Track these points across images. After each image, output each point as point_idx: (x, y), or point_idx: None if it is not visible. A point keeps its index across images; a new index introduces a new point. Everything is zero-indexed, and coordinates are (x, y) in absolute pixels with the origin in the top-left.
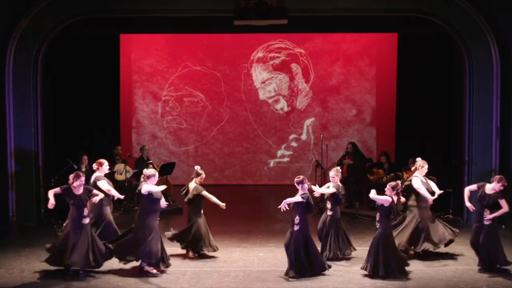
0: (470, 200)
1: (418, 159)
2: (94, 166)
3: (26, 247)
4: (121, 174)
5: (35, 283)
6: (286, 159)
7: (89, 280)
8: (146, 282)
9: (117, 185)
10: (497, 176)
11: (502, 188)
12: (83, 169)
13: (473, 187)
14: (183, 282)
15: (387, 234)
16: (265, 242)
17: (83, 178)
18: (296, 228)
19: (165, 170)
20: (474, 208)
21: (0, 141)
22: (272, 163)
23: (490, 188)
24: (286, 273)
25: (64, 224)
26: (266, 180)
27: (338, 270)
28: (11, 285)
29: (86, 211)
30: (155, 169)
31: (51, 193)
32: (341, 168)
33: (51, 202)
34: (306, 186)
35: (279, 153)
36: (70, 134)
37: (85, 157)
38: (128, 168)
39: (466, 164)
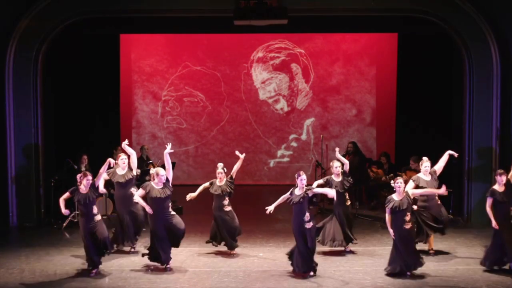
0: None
1: (425, 158)
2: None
3: (26, 247)
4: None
5: (35, 283)
6: (286, 159)
7: (89, 280)
8: (146, 282)
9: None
10: (497, 172)
11: (504, 178)
12: (83, 169)
13: (490, 201)
14: (183, 282)
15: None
16: (265, 242)
17: (90, 177)
18: (310, 225)
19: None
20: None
21: (0, 141)
22: (272, 163)
23: (498, 187)
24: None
25: (64, 224)
26: (266, 180)
27: (338, 270)
28: (11, 285)
29: (95, 209)
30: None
31: (61, 202)
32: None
33: (64, 211)
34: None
35: (279, 153)
36: (70, 134)
37: (85, 157)
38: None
39: (466, 164)
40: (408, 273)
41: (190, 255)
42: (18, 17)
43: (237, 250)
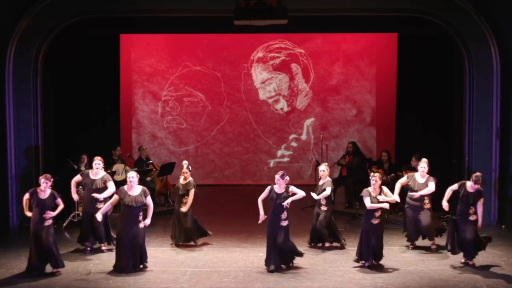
0: (448, 200)
1: (424, 159)
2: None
3: (26, 247)
4: (120, 174)
5: (35, 283)
6: (286, 159)
7: (88, 280)
8: (146, 282)
9: (117, 185)
10: (474, 176)
11: (479, 186)
12: (82, 169)
13: (455, 186)
14: (183, 282)
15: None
16: (265, 242)
17: (49, 183)
18: (285, 223)
19: (165, 170)
20: (448, 209)
21: (0, 141)
22: (272, 163)
23: (469, 186)
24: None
25: (64, 224)
26: (266, 180)
27: (338, 270)
28: (11, 285)
29: (48, 214)
30: (155, 169)
31: (24, 202)
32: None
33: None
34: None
35: (279, 153)
36: (70, 134)
37: (85, 157)
38: (127, 168)
39: (466, 164)
40: (366, 264)
41: (190, 255)
42: (18, 17)
43: (237, 250)
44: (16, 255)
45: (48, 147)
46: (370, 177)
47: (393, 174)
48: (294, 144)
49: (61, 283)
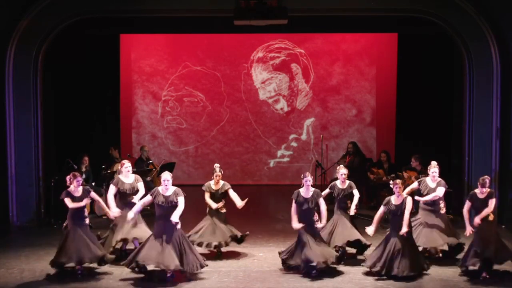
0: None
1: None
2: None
3: (26, 247)
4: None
5: (35, 283)
6: (286, 159)
7: (89, 280)
8: (146, 282)
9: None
10: (480, 179)
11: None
12: (83, 170)
13: (467, 206)
14: (184, 282)
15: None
16: (265, 242)
17: (80, 178)
18: (320, 225)
19: (165, 170)
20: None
21: (0, 141)
22: (272, 163)
23: (478, 193)
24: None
25: (64, 224)
26: (266, 180)
27: (338, 270)
28: (11, 285)
29: (86, 212)
30: (155, 168)
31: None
32: None
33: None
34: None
35: (279, 153)
36: (70, 134)
37: (86, 158)
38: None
39: (466, 164)
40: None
41: None
42: (18, 17)
43: (237, 250)
44: (16, 255)
45: (48, 147)
46: (391, 185)
47: (393, 174)
48: (294, 144)
49: (61, 282)
